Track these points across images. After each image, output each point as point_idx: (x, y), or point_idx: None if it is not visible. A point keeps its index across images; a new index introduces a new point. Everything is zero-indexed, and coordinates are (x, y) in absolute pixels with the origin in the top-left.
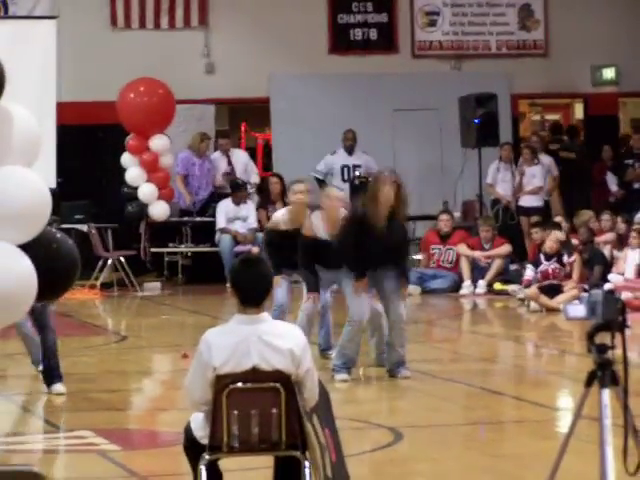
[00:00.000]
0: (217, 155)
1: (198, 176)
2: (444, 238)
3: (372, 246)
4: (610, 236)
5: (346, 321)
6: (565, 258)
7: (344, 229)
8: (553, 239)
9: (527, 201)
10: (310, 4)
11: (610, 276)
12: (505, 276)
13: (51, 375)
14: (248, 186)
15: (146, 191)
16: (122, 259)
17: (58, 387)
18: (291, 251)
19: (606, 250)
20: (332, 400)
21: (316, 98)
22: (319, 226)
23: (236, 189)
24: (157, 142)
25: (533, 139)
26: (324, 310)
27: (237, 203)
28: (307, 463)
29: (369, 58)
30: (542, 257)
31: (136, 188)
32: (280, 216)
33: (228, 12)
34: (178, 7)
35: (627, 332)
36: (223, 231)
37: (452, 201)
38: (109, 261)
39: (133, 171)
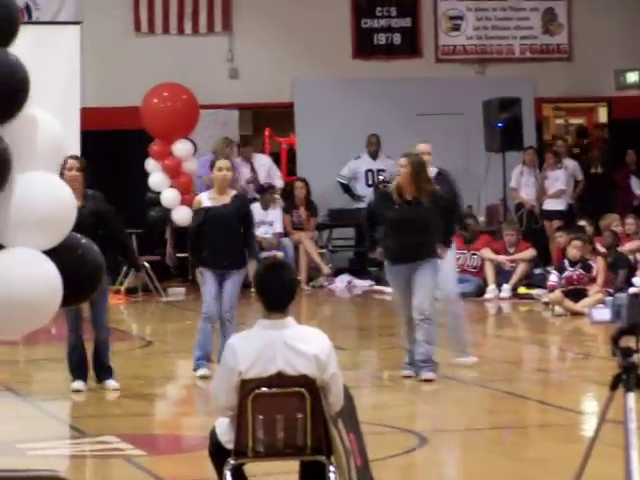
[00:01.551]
0: (239, 161)
1: None
2: (468, 242)
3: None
4: (636, 244)
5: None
6: (591, 264)
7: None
8: (575, 246)
9: (551, 205)
10: (334, 9)
11: (635, 280)
12: (529, 280)
13: (102, 372)
14: (273, 191)
15: (169, 196)
16: (146, 264)
17: (111, 383)
18: None
19: (630, 254)
20: (357, 404)
21: (340, 103)
22: None
23: (263, 193)
24: (180, 147)
25: (558, 143)
26: None
27: (265, 207)
28: (332, 468)
29: (393, 63)
30: (566, 263)
31: (159, 193)
32: None
33: (252, 17)
34: (202, 12)
35: None
36: None
37: (476, 205)
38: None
39: (156, 176)
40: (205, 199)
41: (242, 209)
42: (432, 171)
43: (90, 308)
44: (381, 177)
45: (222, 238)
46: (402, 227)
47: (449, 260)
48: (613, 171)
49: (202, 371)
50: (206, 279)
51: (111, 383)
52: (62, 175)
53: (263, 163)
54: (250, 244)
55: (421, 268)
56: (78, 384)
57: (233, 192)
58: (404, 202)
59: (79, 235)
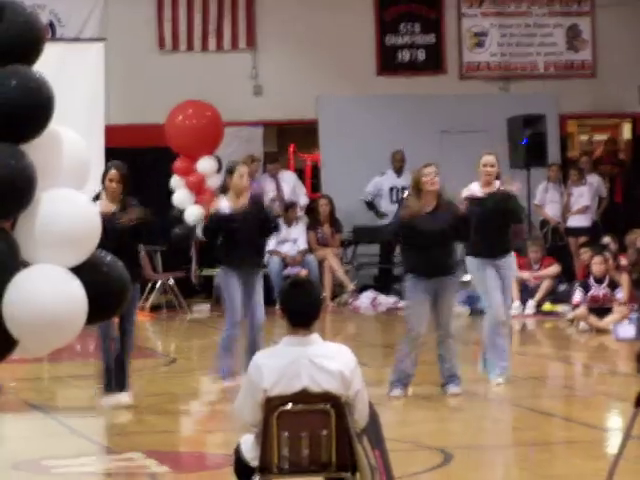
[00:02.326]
0: (265, 178)
1: None
2: None
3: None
4: None
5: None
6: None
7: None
8: (597, 262)
9: (575, 221)
10: (357, 26)
11: None
12: (554, 296)
13: (119, 381)
14: (297, 207)
15: (193, 213)
16: (171, 281)
17: (123, 397)
18: None
19: None
20: (382, 421)
21: (364, 119)
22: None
23: (286, 210)
24: (204, 164)
25: (583, 159)
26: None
27: (288, 224)
28: None
29: (417, 79)
30: (592, 280)
31: (183, 210)
32: None
33: (275, 34)
34: (226, 29)
35: None
36: (272, 253)
37: None
38: (158, 283)
39: (180, 193)
40: (224, 205)
41: (261, 212)
42: (496, 183)
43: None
44: (405, 193)
45: (245, 240)
46: (427, 239)
47: (513, 276)
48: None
49: (231, 382)
50: (231, 283)
51: (124, 397)
52: (104, 183)
53: (288, 180)
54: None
55: (447, 285)
56: (125, 397)
57: (248, 195)
58: (425, 213)
59: (105, 252)
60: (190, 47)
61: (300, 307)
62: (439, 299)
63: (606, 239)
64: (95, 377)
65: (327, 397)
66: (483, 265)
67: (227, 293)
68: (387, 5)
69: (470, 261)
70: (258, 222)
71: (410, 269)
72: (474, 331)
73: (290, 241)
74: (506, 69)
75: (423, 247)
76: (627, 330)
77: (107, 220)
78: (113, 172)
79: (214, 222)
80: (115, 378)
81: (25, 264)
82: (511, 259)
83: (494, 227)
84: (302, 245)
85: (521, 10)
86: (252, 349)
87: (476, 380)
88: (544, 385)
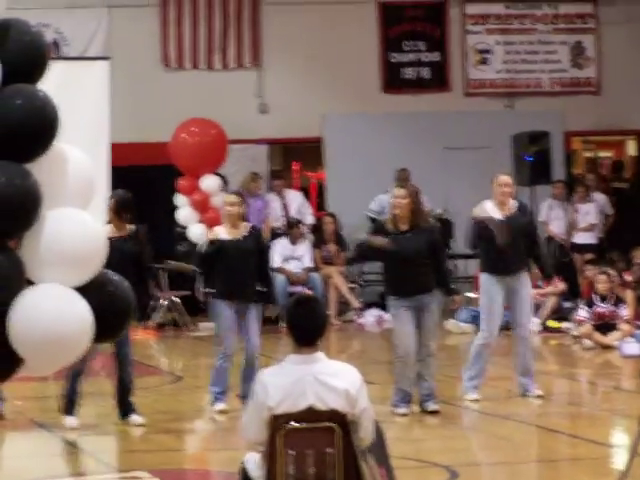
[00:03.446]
0: (271, 196)
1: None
2: None
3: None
4: None
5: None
6: (621, 299)
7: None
8: (601, 281)
9: (581, 238)
10: (362, 44)
11: None
12: (559, 314)
13: (126, 408)
14: (302, 226)
15: (196, 231)
16: (176, 299)
17: (136, 418)
18: None
19: None
20: (387, 438)
21: (369, 137)
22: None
23: (290, 228)
24: (208, 182)
25: (589, 177)
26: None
27: (293, 242)
28: None
29: (421, 97)
30: (597, 298)
31: (187, 228)
32: None
33: (281, 52)
34: (230, 47)
35: None
36: (278, 271)
37: None
38: (163, 301)
39: (184, 211)
40: (222, 232)
41: (258, 244)
42: (513, 203)
43: (115, 343)
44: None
45: (239, 271)
46: (403, 259)
47: (529, 295)
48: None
49: (221, 405)
50: (222, 312)
51: (136, 418)
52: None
53: (294, 199)
54: (266, 280)
55: (427, 303)
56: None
57: (248, 225)
58: (400, 233)
59: (110, 271)
60: (195, 65)
61: (305, 325)
62: (420, 318)
63: (612, 256)
64: (99, 395)
65: (333, 415)
66: (495, 284)
67: (219, 325)
68: (392, 23)
69: (484, 277)
70: (254, 253)
71: (390, 289)
72: None
73: (295, 259)
74: (511, 86)
75: (398, 267)
76: (632, 347)
77: (110, 246)
78: (110, 202)
79: (205, 252)
80: (124, 404)
81: (30, 283)
82: (525, 276)
83: (512, 245)
84: (307, 263)
85: (525, 27)
86: (247, 375)
87: (481, 397)
88: (549, 402)
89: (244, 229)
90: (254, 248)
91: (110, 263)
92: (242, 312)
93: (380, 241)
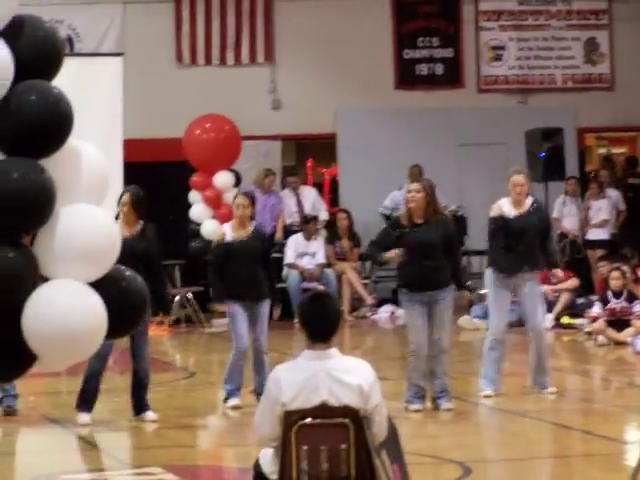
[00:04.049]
0: (286, 192)
1: (261, 211)
2: None
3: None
4: None
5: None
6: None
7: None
8: (614, 277)
9: (594, 234)
10: (376, 40)
11: None
12: (573, 310)
13: (140, 405)
14: (317, 221)
15: (210, 227)
16: (190, 295)
17: (150, 414)
18: None
19: None
20: (400, 434)
21: (382, 133)
22: None
23: (306, 223)
24: (221, 178)
25: (602, 173)
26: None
27: (308, 238)
28: None
29: (435, 93)
30: (610, 294)
31: (201, 224)
32: None
33: (294, 48)
34: (244, 43)
35: None
36: (291, 266)
37: None
38: (177, 297)
39: (198, 207)
40: (228, 231)
41: (262, 244)
42: (528, 200)
43: (130, 339)
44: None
45: (245, 270)
46: (419, 251)
47: (537, 293)
48: None
49: (234, 401)
50: (236, 314)
51: (150, 415)
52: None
53: (308, 195)
54: (269, 281)
55: (441, 299)
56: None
57: (252, 225)
58: (415, 225)
59: (124, 267)
60: (208, 61)
61: (319, 321)
62: (432, 313)
63: (625, 252)
64: (113, 391)
65: (346, 411)
66: (500, 280)
67: (232, 324)
68: (405, 19)
69: (489, 273)
70: (259, 252)
71: (403, 283)
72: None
73: (309, 255)
74: (524, 82)
75: (413, 260)
76: None
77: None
78: (125, 197)
79: (214, 259)
80: (138, 400)
81: (44, 279)
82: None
83: (524, 242)
84: (321, 259)
85: (539, 23)
86: (258, 369)
87: (494, 393)
88: (563, 398)
89: (250, 229)
90: (259, 247)
91: (119, 260)
92: (252, 310)
93: (393, 256)
